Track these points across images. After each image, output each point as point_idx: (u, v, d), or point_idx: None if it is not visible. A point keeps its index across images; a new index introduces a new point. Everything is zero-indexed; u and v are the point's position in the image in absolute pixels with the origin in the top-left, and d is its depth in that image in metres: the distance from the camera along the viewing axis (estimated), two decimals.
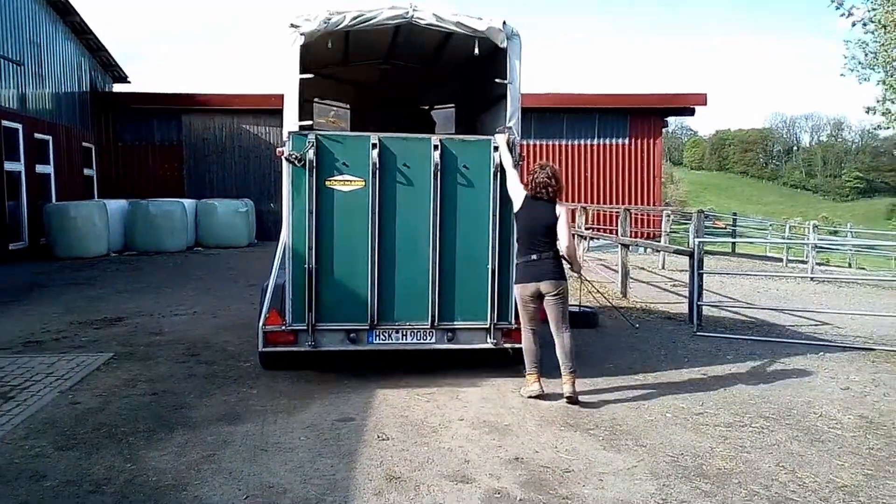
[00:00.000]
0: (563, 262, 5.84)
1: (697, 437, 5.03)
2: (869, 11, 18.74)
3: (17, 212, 16.53)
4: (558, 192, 5.84)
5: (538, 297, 5.74)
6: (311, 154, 5.83)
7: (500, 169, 6.12)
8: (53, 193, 18.34)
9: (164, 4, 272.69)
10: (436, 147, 6.02)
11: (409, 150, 6.07)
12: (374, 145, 5.93)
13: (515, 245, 6.05)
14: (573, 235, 6.17)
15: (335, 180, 5.97)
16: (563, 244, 5.76)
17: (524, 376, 5.92)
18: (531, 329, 5.84)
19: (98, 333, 8.29)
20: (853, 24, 19.12)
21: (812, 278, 15.18)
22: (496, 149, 6.12)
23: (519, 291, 5.82)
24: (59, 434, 4.94)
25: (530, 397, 5.77)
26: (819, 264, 19.32)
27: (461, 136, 6.65)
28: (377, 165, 5.93)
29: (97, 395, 5.83)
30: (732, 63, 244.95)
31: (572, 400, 5.62)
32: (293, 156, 5.88)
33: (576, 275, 6.50)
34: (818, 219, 45.53)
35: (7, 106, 16.20)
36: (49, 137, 18.30)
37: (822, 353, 7.84)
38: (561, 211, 5.82)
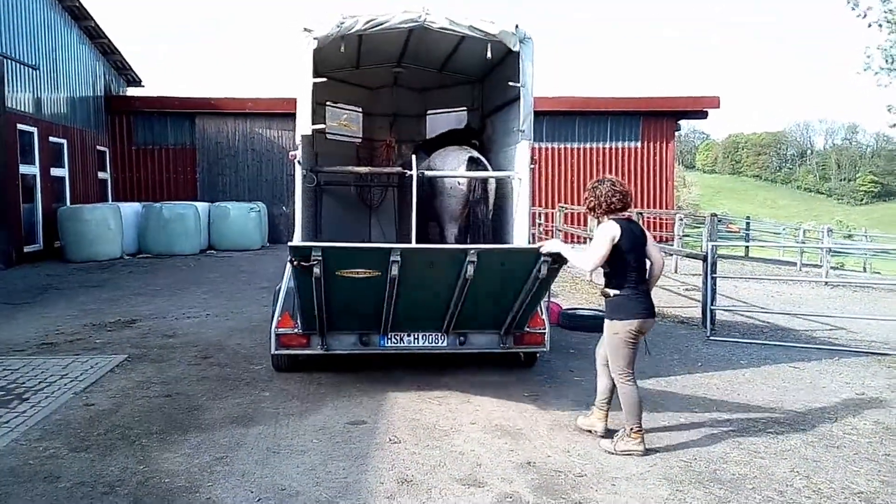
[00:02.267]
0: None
1: (711, 442, 4.99)
2: (885, 13, 18.62)
3: (32, 214, 16.66)
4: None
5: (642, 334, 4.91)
6: (317, 270, 4.88)
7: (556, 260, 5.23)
8: (68, 196, 18.48)
9: (159, 4, 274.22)
10: (471, 262, 5.05)
11: (439, 259, 5.30)
12: (394, 262, 4.93)
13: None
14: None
15: (347, 272, 5.08)
16: (658, 267, 5.03)
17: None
18: (634, 379, 4.92)
19: (112, 335, 8.34)
20: (869, 25, 19.00)
21: (826, 283, 15.05)
22: (544, 260, 5.17)
23: (634, 327, 4.81)
24: (73, 435, 4.97)
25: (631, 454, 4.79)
26: (833, 268, 19.17)
27: (502, 248, 5.91)
28: (398, 267, 5.02)
29: (111, 397, 5.86)
30: (746, 66, 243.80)
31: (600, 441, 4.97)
32: (296, 262, 4.91)
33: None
34: (833, 223, 45.21)
35: (23, 110, 16.34)
36: (64, 141, 18.45)
37: (836, 358, 7.77)
38: (643, 227, 5.14)
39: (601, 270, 4.96)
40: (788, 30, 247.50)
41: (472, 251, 5.02)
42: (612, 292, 4.86)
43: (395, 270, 4.95)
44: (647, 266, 4.98)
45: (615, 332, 4.85)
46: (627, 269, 4.82)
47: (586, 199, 5.07)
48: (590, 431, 5.09)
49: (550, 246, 5.09)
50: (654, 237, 22.13)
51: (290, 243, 4.96)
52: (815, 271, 18.30)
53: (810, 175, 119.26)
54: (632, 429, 4.78)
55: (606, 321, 4.93)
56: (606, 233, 4.80)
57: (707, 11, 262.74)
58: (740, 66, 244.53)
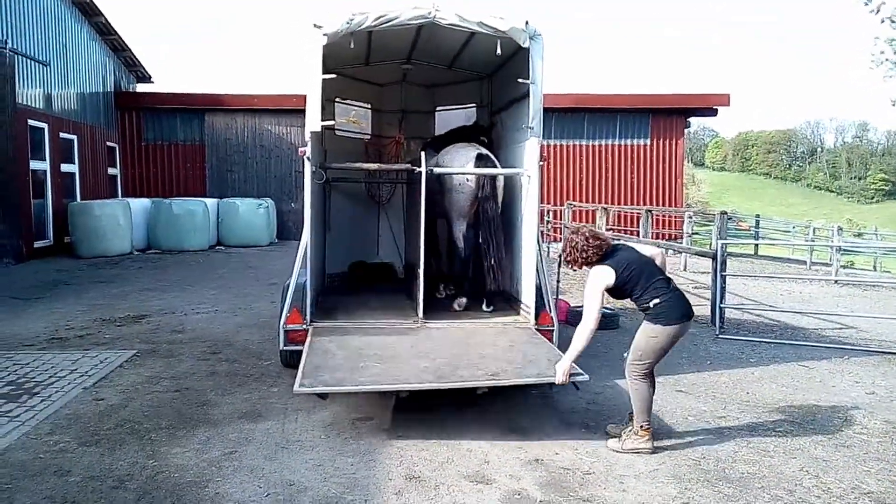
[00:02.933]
0: None
1: (720, 441, 4.98)
2: None
3: (43, 210, 16.75)
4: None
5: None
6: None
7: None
8: (78, 192, 18.57)
9: (161, 4, 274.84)
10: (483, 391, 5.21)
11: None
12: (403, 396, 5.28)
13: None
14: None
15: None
16: (661, 260, 5.02)
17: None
18: (647, 376, 4.92)
19: (121, 331, 8.38)
20: (882, 21, 18.86)
21: (836, 281, 14.96)
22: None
23: (670, 332, 4.78)
24: (82, 430, 5.00)
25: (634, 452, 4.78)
26: (843, 267, 19.06)
27: (516, 383, 5.14)
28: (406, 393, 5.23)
29: (120, 392, 5.89)
30: (755, 64, 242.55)
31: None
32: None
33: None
34: (843, 221, 44.97)
35: (33, 105, 16.42)
36: (74, 137, 18.54)
37: (846, 357, 7.73)
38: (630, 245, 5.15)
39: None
40: (795, 29, 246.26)
41: (482, 389, 5.08)
42: (652, 304, 4.77)
43: (403, 394, 5.30)
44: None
45: (653, 336, 4.79)
46: (647, 285, 4.79)
47: (564, 250, 5.07)
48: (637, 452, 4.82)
49: (561, 373, 4.84)
50: (663, 235, 22.02)
51: (295, 389, 4.66)
52: (824, 270, 18.20)
53: (820, 173, 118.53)
54: (640, 426, 4.77)
55: (646, 324, 4.85)
56: (596, 284, 4.80)
57: (708, 11, 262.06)
58: (749, 64, 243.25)
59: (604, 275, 4.79)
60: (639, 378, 4.85)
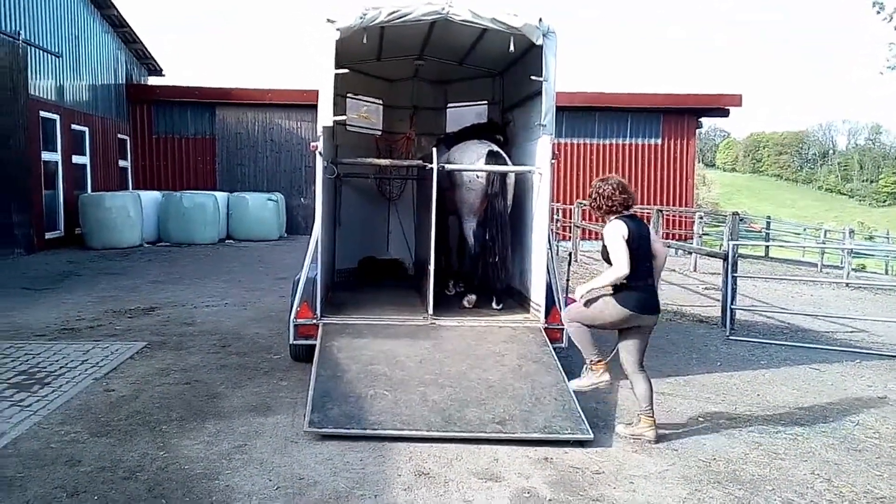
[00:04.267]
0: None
1: (730, 443, 4.95)
2: None
3: (54, 201, 16.84)
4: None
5: (636, 327, 4.99)
6: None
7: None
8: (89, 184, 18.65)
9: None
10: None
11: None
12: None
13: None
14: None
15: None
16: (661, 260, 5.04)
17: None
18: (590, 328, 5.08)
19: (131, 322, 8.41)
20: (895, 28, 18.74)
21: (847, 284, 14.88)
22: None
23: (618, 314, 4.88)
24: (93, 420, 5.02)
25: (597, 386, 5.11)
26: (855, 270, 18.96)
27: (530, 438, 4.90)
28: None
29: (131, 383, 5.91)
30: (769, 65, 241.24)
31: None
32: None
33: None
34: (854, 223, 44.70)
35: (45, 97, 16.49)
36: (85, 129, 18.61)
37: (858, 361, 7.68)
38: (650, 228, 5.13)
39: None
40: (807, 30, 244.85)
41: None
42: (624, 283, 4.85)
43: None
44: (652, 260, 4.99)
45: (606, 307, 4.92)
46: (640, 265, 4.84)
47: (590, 195, 5.10)
48: (638, 438, 4.93)
49: (579, 294, 5.04)
50: (673, 235, 21.99)
51: (304, 428, 4.77)
52: (835, 272, 18.11)
53: (832, 175, 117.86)
54: (591, 361, 5.08)
55: (607, 296, 4.95)
56: (616, 233, 4.82)
57: (715, 10, 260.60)
58: (761, 65, 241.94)
59: (621, 227, 4.84)
60: (571, 322, 5.12)
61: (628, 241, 4.78)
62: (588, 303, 5.02)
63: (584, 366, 5.15)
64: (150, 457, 4.39)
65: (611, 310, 4.91)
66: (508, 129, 8.22)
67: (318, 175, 6.38)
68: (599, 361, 5.08)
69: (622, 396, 5.92)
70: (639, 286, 4.86)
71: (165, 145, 22.60)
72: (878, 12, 18.78)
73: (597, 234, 18.45)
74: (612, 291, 4.92)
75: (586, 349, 5.10)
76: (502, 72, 8.69)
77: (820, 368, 7.26)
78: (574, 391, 5.18)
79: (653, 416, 4.93)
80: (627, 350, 5.04)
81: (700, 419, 5.45)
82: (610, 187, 4.93)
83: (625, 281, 4.81)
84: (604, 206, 4.96)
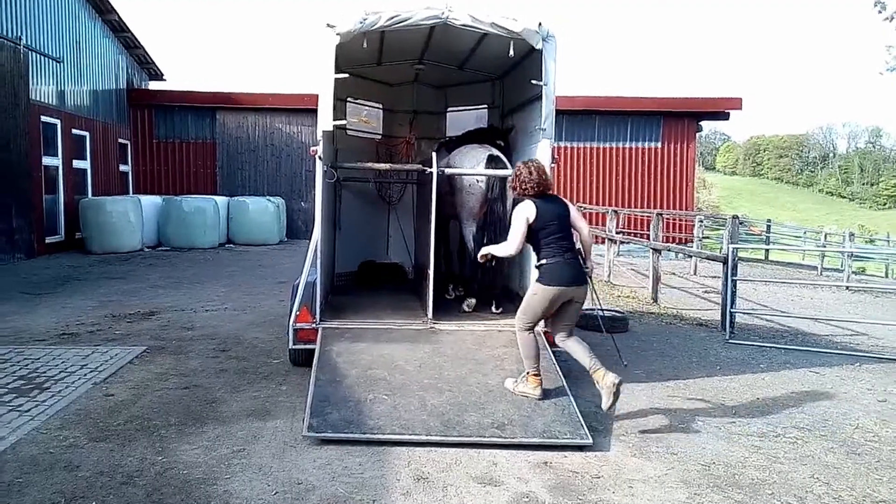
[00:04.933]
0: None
1: (729, 447, 4.95)
2: None
3: (54, 205, 16.84)
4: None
5: (567, 302, 5.29)
6: None
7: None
8: (89, 188, 18.66)
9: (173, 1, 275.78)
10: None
11: None
12: None
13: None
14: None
15: None
16: (585, 234, 5.43)
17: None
18: (531, 330, 5.41)
19: (131, 327, 8.41)
20: None
21: (848, 287, 14.89)
22: None
23: (548, 294, 5.21)
24: (92, 425, 5.02)
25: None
26: (855, 273, 18.96)
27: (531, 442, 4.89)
28: None
29: (130, 388, 5.91)
30: (769, 67, 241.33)
31: (619, 386, 5.04)
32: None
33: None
34: (854, 227, 44.67)
35: (46, 102, 16.51)
36: (86, 133, 18.63)
37: (858, 364, 7.68)
38: (570, 204, 5.52)
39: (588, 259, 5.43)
40: (804, 32, 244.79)
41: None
42: (541, 262, 5.29)
43: None
44: (576, 236, 5.42)
45: (534, 293, 5.30)
46: (551, 240, 5.27)
47: (512, 178, 5.60)
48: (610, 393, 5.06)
49: (484, 250, 5.66)
50: (673, 239, 21.97)
51: (303, 433, 4.76)
52: (836, 275, 18.11)
53: (832, 178, 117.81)
54: (528, 372, 5.28)
55: (533, 281, 5.38)
56: (520, 215, 5.31)
57: (714, 13, 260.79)
58: (761, 68, 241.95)
59: (527, 208, 5.31)
60: (522, 330, 5.38)
61: (535, 221, 5.25)
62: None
63: (523, 374, 5.36)
64: (148, 462, 4.39)
65: (539, 293, 5.27)
66: (511, 135, 8.22)
67: (318, 179, 6.39)
68: (536, 376, 5.28)
69: (621, 401, 5.91)
70: (558, 262, 5.23)
71: (166, 150, 22.61)
72: (880, 12, 18.79)
73: (598, 237, 18.45)
74: (537, 279, 5.31)
75: (528, 359, 5.32)
76: (502, 76, 8.70)
77: (819, 372, 7.25)
78: (505, 387, 5.37)
79: (602, 368, 5.12)
80: (556, 323, 5.41)
81: (699, 422, 5.45)
82: (527, 171, 5.38)
83: (545, 261, 5.25)
84: (518, 188, 5.44)
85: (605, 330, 6.15)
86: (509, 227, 7.00)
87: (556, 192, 5.58)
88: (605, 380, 5.01)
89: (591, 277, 5.42)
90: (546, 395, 5.31)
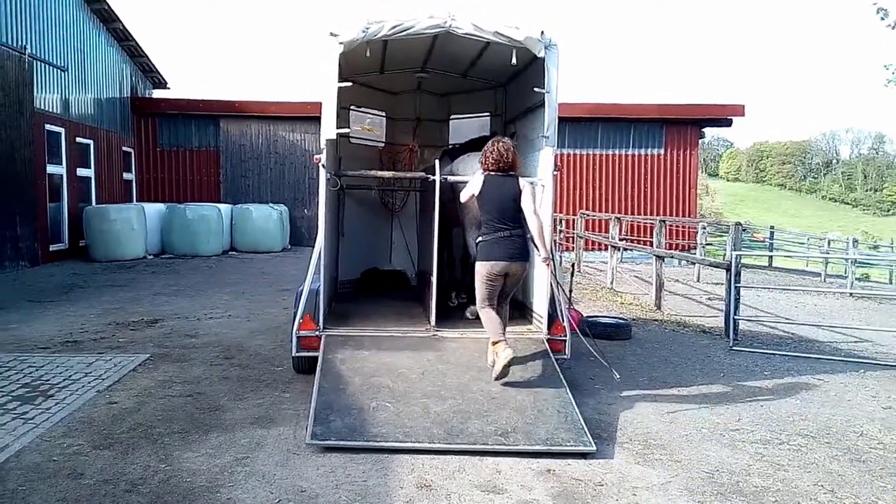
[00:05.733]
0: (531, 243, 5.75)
1: (733, 454, 4.94)
2: None
3: (59, 213, 16.92)
4: (516, 165, 5.82)
5: (503, 276, 5.69)
6: None
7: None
8: (93, 196, 18.74)
9: (176, 7, 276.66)
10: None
11: None
12: None
13: (474, 221, 6.22)
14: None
15: None
16: (529, 217, 5.64)
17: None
18: (490, 306, 5.77)
19: (135, 335, 8.43)
20: None
21: (851, 294, 14.85)
22: None
23: (487, 269, 5.66)
24: (96, 433, 5.02)
25: (506, 365, 5.42)
26: (858, 279, 18.91)
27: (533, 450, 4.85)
28: None
29: (134, 396, 5.92)
30: (772, 74, 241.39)
31: (511, 363, 5.42)
32: None
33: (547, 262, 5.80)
34: (858, 233, 44.60)
35: (51, 110, 16.60)
36: (90, 141, 18.71)
37: (862, 371, 7.66)
38: (524, 183, 5.75)
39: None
40: (807, 38, 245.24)
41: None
42: (477, 240, 5.81)
43: None
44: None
45: (479, 272, 5.74)
46: (488, 218, 5.69)
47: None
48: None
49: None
50: (677, 245, 21.95)
51: (306, 440, 4.80)
52: (839, 282, 18.07)
53: (836, 185, 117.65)
54: (491, 341, 5.63)
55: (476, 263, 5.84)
56: (470, 183, 5.86)
57: (716, 19, 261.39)
58: (764, 74, 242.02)
59: (476, 181, 5.80)
60: (480, 308, 5.80)
61: (479, 196, 5.73)
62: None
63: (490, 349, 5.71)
64: (152, 469, 4.40)
65: (480, 270, 5.72)
66: (513, 141, 8.23)
67: (321, 187, 6.40)
68: (498, 342, 5.58)
69: (625, 409, 5.91)
70: (491, 239, 5.66)
71: (170, 158, 22.70)
72: (882, 19, 18.79)
73: (600, 244, 18.48)
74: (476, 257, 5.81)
75: (490, 332, 5.69)
76: (505, 83, 8.72)
77: (823, 379, 7.23)
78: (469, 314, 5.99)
79: (504, 342, 5.54)
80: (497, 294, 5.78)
81: (703, 430, 5.44)
82: (491, 147, 5.78)
83: (480, 238, 5.73)
84: (482, 163, 5.84)
85: (588, 334, 6.36)
86: None
87: (558, 200, 5.71)
88: (503, 353, 5.42)
89: (549, 265, 5.80)
90: (548, 398, 5.32)
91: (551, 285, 6.40)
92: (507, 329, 6.65)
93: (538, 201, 5.94)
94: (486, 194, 5.70)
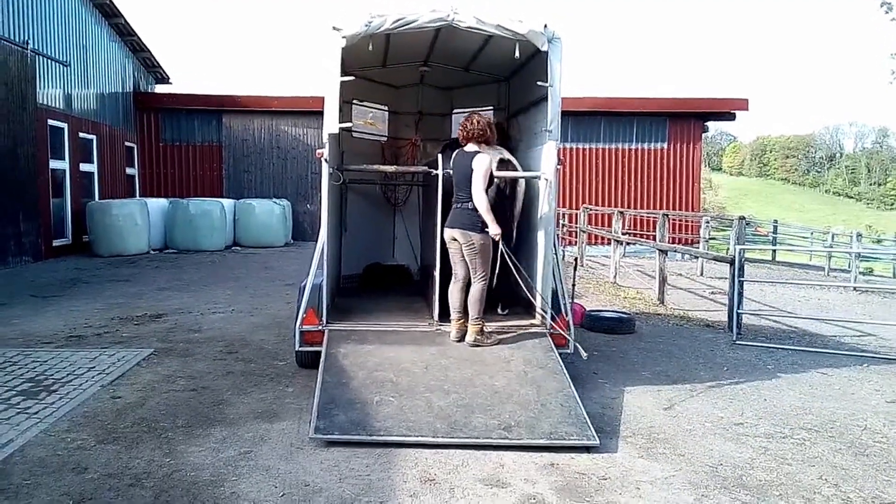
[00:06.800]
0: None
1: (737, 448, 4.93)
2: None
3: (61, 209, 16.92)
4: (484, 140, 6.21)
5: (456, 244, 6.13)
6: None
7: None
8: (96, 191, 18.75)
9: (179, 2, 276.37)
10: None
11: None
12: None
13: None
14: (486, 189, 6.07)
15: None
16: (472, 193, 5.97)
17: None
18: (455, 281, 6.26)
19: (138, 329, 8.44)
20: None
21: (855, 288, 14.82)
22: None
23: (444, 236, 6.26)
24: (100, 427, 5.03)
25: (456, 340, 6.14)
26: (862, 273, 18.88)
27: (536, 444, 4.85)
28: None
29: (137, 390, 5.93)
30: (776, 68, 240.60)
31: (477, 344, 6.04)
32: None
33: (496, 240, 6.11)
34: (862, 227, 44.52)
35: (53, 105, 16.59)
36: (93, 137, 18.71)
37: (865, 365, 7.65)
38: (478, 162, 5.97)
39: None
40: (810, 32, 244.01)
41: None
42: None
43: None
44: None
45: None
46: (455, 190, 6.16)
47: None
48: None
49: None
50: (680, 240, 21.90)
51: (310, 435, 4.81)
52: (843, 276, 18.04)
53: (839, 179, 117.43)
54: (451, 318, 6.18)
55: None
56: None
57: (719, 14, 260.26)
58: (767, 68, 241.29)
59: (452, 159, 6.26)
60: (454, 279, 6.29)
61: (451, 166, 6.21)
62: None
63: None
64: (156, 464, 4.40)
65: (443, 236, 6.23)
66: (510, 133, 8.21)
67: (324, 181, 6.40)
68: (457, 321, 6.15)
69: (628, 403, 5.91)
70: (452, 209, 6.17)
71: (172, 153, 22.70)
72: (887, 12, 18.74)
73: (603, 239, 18.46)
74: None
75: (452, 306, 6.20)
76: (508, 77, 8.70)
77: (827, 373, 7.22)
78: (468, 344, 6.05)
79: (463, 319, 6.11)
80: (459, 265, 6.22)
81: (707, 424, 5.43)
82: (466, 122, 6.25)
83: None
84: (458, 132, 6.32)
85: (549, 315, 6.39)
86: (516, 228, 7.08)
87: (561, 195, 5.79)
88: (469, 329, 6.03)
89: (496, 240, 6.06)
90: (551, 393, 5.33)
91: (554, 280, 6.39)
92: (512, 324, 6.67)
93: (546, 198, 6.29)
94: (454, 170, 6.22)
